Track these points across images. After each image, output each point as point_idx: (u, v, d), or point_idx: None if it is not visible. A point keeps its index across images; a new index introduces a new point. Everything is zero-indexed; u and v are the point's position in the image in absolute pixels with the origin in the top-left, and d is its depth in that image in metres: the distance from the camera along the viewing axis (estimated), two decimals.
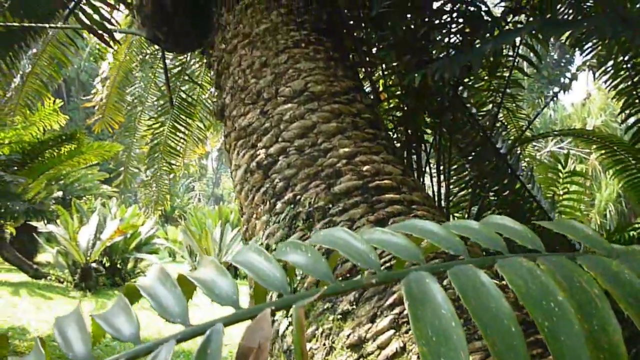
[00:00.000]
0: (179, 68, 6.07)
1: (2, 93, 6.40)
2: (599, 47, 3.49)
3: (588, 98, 17.70)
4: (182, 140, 6.72)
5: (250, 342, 0.59)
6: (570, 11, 3.41)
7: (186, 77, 6.18)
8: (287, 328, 1.78)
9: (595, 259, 0.72)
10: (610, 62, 3.58)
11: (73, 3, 2.71)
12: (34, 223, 8.86)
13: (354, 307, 1.62)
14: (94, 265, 9.02)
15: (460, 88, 3.58)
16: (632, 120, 3.56)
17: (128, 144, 7.79)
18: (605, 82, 3.80)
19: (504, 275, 0.64)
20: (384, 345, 1.49)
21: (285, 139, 2.23)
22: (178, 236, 14.27)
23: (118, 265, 9.91)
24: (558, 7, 3.33)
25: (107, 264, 9.65)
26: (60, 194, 11.02)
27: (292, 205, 2.01)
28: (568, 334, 0.58)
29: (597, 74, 3.95)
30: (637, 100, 3.18)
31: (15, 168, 7.14)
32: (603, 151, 4.34)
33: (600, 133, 4.34)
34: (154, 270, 0.73)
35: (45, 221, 8.14)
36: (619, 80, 3.54)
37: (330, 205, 1.94)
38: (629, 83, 3.18)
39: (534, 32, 2.49)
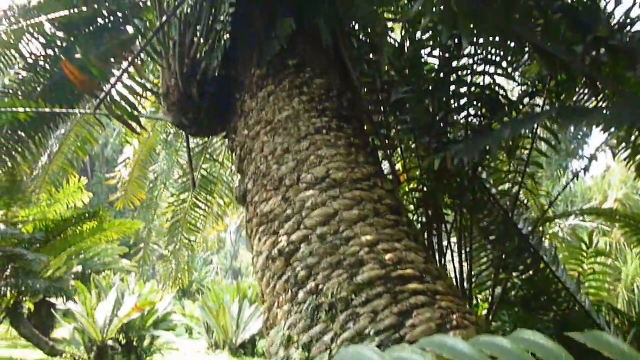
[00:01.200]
0: (202, 147, 6.21)
1: (29, 171, 6.56)
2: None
3: (608, 170, 17.61)
4: (202, 217, 6.77)
5: None
6: (587, 92, 3.47)
7: (208, 156, 6.31)
8: None
9: None
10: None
11: (103, 93, 2.83)
12: (52, 299, 8.87)
13: None
14: (110, 343, 8.91)
15: (480, 169, 3.60)
16: None
17: (149, 220, 7.88)
18: (625, 159, 3.80)
19: None
20: None
21: (307, 226, 2.24)
22: (195, 312, 14.11)
23: (135, 343, 9.77)
24: (575, 86, 3.39)
25: (124, 342, 9.52)
26: (79, 268, 11.06)
27: (314, 296, 2.00)
28: None
29: (616, 152, 3.96)
30: None
31: (38, 245, 7.22)
32: (627, 229, 4.28)
33: (622, 211, 4.29)
34: None
35: (64, 298, 8.13)
36: (638, 159, 3.54)
37: (353, 296, 1.92)
38: None
39: (551, 119, 2.52)
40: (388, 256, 2.05)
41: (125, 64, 3.07)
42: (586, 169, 3.85)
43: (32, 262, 6.46)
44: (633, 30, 2.78)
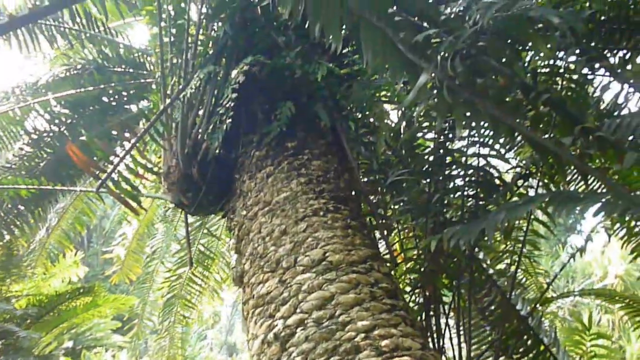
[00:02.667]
0: (200, 222, 6.23)
1: (26, 245, 6.54)
2: None
3: (607, 245, 17.56)
4: (198, 292, 6.71)
5: None
6: (578, 177, 3.55)
7: (205, 231, 6.32)
8: None
9: None
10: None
11: (105, 174, 2.89)
12: None
13: None
14: None
15: (477, 249, 3.61)
16: None
17: (144, 295, 7.77)
18: (622, 238, 3.82)
19: None
20: None
21: (304, 310, 2.24)
22: None
23: None
24: (567, 171, 3.46)
25: None
26: (70, 344, 10.79)
27: None
28: None
29: (611, 234, 3.99)
30: None
31: (29, 321, 7.09)
32: (627, 309, 4.24)
33: (621, 292, 4.27)
34: None
35: None
36: (633, 242, 3.56)
37: None
38: None
39: (544, 203, 2.57)
40: (384, 342, 2.03)
41: (127, 144, 3.15)
42: (582, 250, 3.86)
43: (23, 339, 6.33)
44: (621, 114, 2.89)
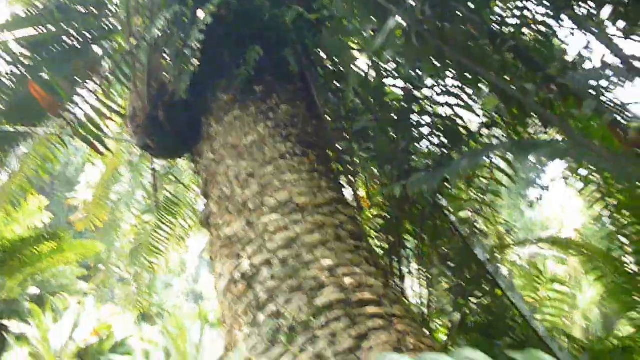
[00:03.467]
0: (166, 169, 6.18)
1: None
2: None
3: (566, 201, 18.10)
4: (164, 239, 6.71)
5: None
6: (542, 127, 3.62)
7: (172, 178, 6.28)
8: None
9: None
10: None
11: (68, 114, 2.83)
12: (4, 322, 8.58)
13: None
14: None
15: (440, 197, 3.70)
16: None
17: (110, 242, 7.74)
18: (580, 191, 3.96)
19: None
20: None
21: (270, 249, 2.28)
22: (154, 336, 13.81)
23: None
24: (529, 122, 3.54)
25: None
26: (36, 290, 10.75)
27: (274, 318, 2.03)
28: None
29: (569, 181, 4.12)
30: (607, 210, 3.30)
31: None
32: (582, 257, 4.43)
33: (577, 241, 4.45)
34: None
35: (18, 320, 7.90)
36: (590, 191, 3.69)
37: (313, 319, 1.96)
38: (600, 195, 3.32)
39: (505, 151, 2.64)
40: (347, 280, 2.10)
41: (91, 85, 3.08)
42: (540, 198, 3.99)
43: None
44: (585, 67, 2.95)
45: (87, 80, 3.25)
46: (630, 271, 3.29)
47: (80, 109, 2.91)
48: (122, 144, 6.77)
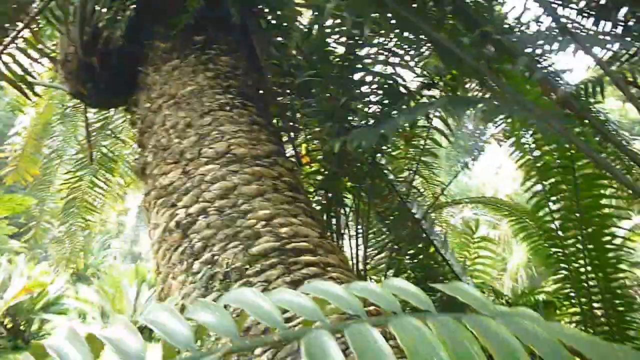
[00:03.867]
0: (101, 123, 5.98)
1: None
2: (503, 124, 3.77)
3: (500, 168, 18.75)
4: (100, 196, 6.54)
5: None
6: (479, 88, 3.71)
7: (108, 132, 6.09)
8: None
9: (478, 319, 0.79)
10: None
11: None
12: None
13: None
14: None
15: (379, 155, 3.75)
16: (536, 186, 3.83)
17: (41, 198, 7.47)
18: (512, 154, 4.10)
19: (396, 334, 0.71)
20: None
21: (206, 199, 2.26)
22: (90, 296, 13.57)
23: (22, 327, 9.27)
24: (467, 85, 3.62)
25: (10, 326, 9.01)
26: None
27: (209, 266, 2.03)
28: None
29: (505, 147, 4.26)
30: (535, 173, 3.44)
31: None
32: (512, 218, 4.61)
33: (505, 201, 4.63)
34: (63, 330, 0.74)
35: None
36: (521, 154, 3.82)
37: (248, 266, 1.97)
38: (530, 157, 3.44)
39: (440, 107, 2.69)
40: (283, 229, 2.11)
41: (20, 26, 2.91)
42: (475, 158, 4.12)
43: None
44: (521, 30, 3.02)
45: (15, 22, 3.07)
46: (555, 233, 3.44)
47: (7, 50, 2.75)
48: (55, 97, 6.50)
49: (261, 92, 3.16)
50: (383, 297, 0.84)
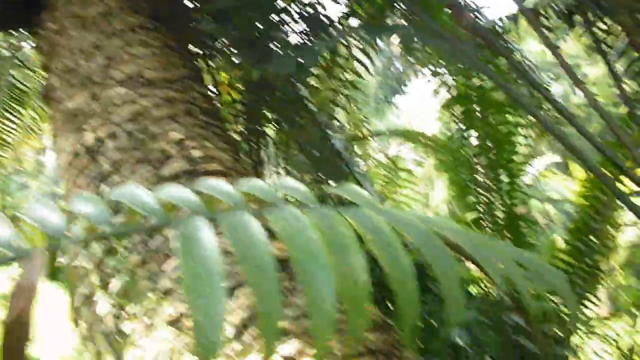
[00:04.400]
0: (10, 52, 5.60)
1: None
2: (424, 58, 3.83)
3: (425, 107, 19.14)
4: (13, 131, 6.21)
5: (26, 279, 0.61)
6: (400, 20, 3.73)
7: (18, 62, 5.73)
8: (106, 310, 1.76)
9: (358, 211, 0.83)
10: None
11: None
12: None
13: (176, 285, 1.65)
14: None
15: (300, 86, 3.74)
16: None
17: None
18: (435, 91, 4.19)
19: (270, 219, 0.73)
20: None
21: (115, 122, 2.19)
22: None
23: None
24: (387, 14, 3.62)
25: None
26: None
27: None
28: (317, 266, 0.67)
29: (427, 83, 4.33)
30: (453, 111, 3.54)
31: None
32: (431, 151, 4.77)
33: (426, 135, 4.76)
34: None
35: None
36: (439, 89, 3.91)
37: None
38: (447, 92, 3.54)
39: (356, 35, 2.70)
40: (195, 152, 2.09)
41: None
42: (398, 92, 4.18)
43: None
44: None
45: None
46: (468, 162, 3.59)
47: None
48: None
49: (177, 15, 3.04)
50: (268, 192, 0.85)
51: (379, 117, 17.80)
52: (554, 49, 2.13)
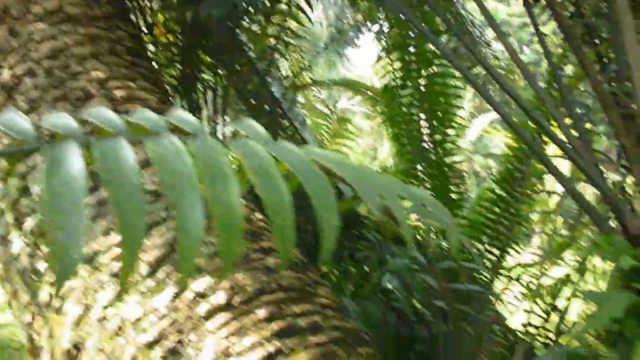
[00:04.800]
0: None
1: None
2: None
3: (378, 61, 19.11)
4: None
5: None
6: None
7: None
8: (21, 249, 1.74)
9: (241, 142, 0.85)
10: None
11: None
12: None
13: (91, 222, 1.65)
14: None
15: (238, 31, 3.67)
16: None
17: None
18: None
19: (148, 146, 0.74)
20: (117, 257, 1.54)
21: (34, 59, 2.11)
22: None
23: None
24: None
25: None
26: None
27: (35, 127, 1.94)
28: (187, 190, 0.69)
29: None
30: (390, 65, 3.55)
31: None
32: (373, 102, 4.81)
33: (365, 84, 4.78)
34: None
35: None
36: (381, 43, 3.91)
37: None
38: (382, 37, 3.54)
39: None
40: (118, 92, 2.05)
41: None
42: (350, 44, 4.16)
43: None
44: None
45: None
46: (404, 112, 3.63)
47: None
48: None
49: None
50: (155, 123, 0.86)
51: (329, 69, 17.69)
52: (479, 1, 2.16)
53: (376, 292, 3.43)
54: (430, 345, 3.17)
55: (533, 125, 2.70)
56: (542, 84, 3.05)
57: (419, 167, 3.69)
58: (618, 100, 2.38)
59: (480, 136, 14.23)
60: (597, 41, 2.62)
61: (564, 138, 1.98)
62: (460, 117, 3.75)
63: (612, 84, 2.40)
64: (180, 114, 0.94)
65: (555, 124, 2.38)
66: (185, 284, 1.35)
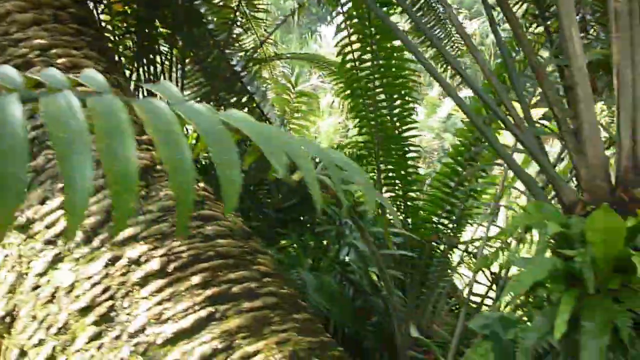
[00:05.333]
0: None
1: None
2: None
3: (337, 34, 19.00)
4: None
5: None
6: None
7: None
8: None
9: (147, 99, 0.84)
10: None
11: None
12: None
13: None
14: None
15: (197, 2, 3.62)
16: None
17: None
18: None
19: (41, 102, 0.73)
20: (52, 225, 1.53)
21: None
22: None
23: None
24: None
25: None
26: None
27: None
28: (75, 145, 0.69)
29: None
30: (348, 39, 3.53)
31: None
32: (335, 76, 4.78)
33: (327, 59, 4.76)
34: None
35: None
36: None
37: None
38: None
39: None
40: (60, 60, 2.01)
41: None
42: (322, 21, 4.11)
43: None
44: None
45: None
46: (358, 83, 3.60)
47: None
48: None
49: None
50: (55, 80, 0.85)
51: (301, 45, 17.56)
52: None
53: (334, 265, 3.47)
54: (385, 316, 3.23)
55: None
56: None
57: (376, 140, 3.70)
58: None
59: (449, 114, 14.29)
60: (547, 15, 2.67)
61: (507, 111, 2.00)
62: (417, 91, 3.77)
63: (560, 57, 2.45)
64: (89, 73, 0.93)
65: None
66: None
